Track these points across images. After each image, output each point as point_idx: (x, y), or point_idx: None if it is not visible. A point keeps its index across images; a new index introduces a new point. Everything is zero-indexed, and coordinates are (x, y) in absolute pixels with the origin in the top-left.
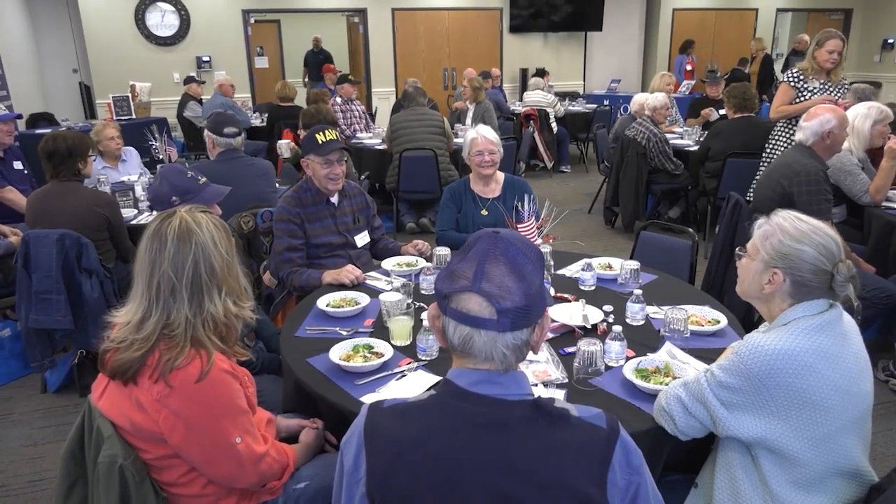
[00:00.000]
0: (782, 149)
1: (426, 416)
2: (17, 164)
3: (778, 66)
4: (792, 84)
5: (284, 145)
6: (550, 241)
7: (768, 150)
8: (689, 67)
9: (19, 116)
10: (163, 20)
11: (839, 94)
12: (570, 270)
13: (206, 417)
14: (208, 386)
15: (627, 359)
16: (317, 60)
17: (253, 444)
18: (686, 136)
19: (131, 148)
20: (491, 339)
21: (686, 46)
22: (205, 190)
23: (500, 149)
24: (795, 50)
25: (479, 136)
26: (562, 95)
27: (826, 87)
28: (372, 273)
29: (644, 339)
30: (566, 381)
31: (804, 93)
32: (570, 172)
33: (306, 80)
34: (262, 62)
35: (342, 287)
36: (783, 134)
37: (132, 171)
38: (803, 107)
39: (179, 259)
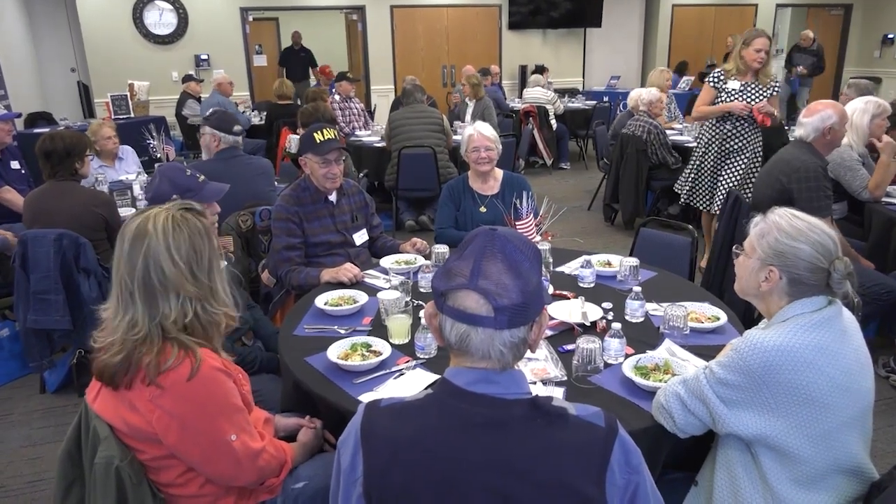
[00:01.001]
0: (704, 150)
1: (423, 415)
2: (15, 164)
3: (779, 62)
4: (712, 84)
5: (295, 141)
6: (549, 238)
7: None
8: (682, 84)
9: (18, 115)
10: (161, 19)
11: (764, 96)
12: (570, 267)
13: (200, 416)
14: (200, 384)
15: (627, 356)
16: (297, 59)
17: (249, 440)
18: (685, 133)
19: (128, 147)
20: (488, 337)
21: (682, 68)
22: (205, 188)
23: (498, 145)
24: (799, 46)
25: (476, 133)
26: (561, 92)
27: (748, 87)
28: (370, 271)
29: (643, 337)
30: (565, 378)
31: (722, 94)
32: (569, 169)
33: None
34: (260, 60)
35: (340, 285)
36: (706, 133)
37: (129, 169)
38: (721, 109)
39: (132, 261)
